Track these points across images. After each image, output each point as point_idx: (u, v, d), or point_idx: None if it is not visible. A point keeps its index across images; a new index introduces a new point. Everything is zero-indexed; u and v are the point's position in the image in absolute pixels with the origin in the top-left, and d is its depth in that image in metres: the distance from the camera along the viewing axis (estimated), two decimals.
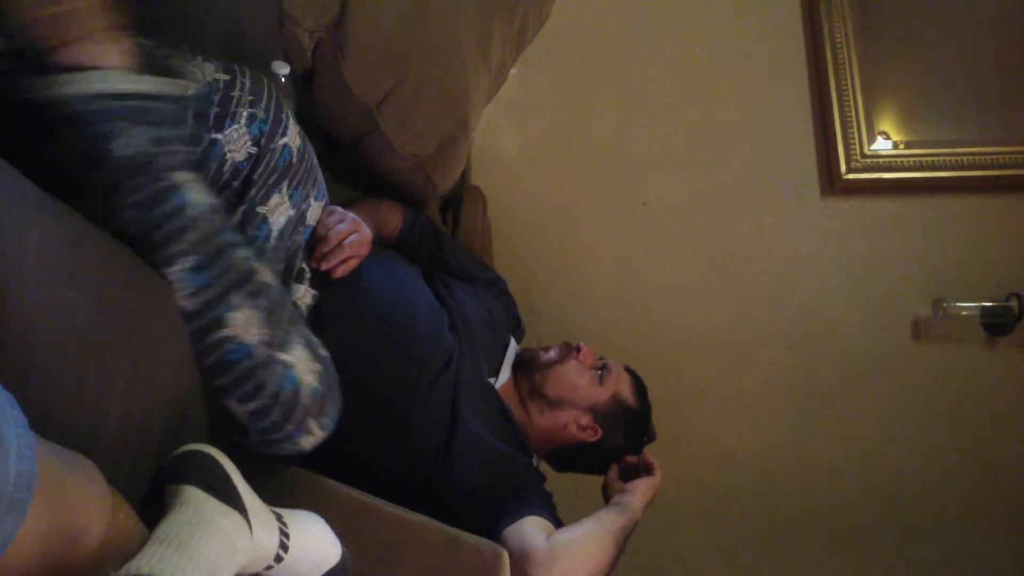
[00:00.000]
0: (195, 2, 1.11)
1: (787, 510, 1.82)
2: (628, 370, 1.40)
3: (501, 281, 1.53)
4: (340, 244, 1.14)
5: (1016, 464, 1.82)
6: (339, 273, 1.15)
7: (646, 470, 1.28)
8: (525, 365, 1.35)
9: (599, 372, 1.32)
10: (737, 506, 1.82)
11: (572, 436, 1.30)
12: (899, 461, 1.83)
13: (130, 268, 0.75)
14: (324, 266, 1.13)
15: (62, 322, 0.65)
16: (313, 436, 0.85)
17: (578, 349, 1.36)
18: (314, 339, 0.89)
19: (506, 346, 1.38)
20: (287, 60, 1.19)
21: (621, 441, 1.32)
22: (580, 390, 1.30)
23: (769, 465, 1.83)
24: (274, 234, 1.01)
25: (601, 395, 1.31)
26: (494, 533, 1.08)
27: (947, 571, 1.81)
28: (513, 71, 1.65)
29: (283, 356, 0.80)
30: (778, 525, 1.81)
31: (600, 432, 1.30)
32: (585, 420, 1.30)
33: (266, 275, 0.83)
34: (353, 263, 1.17)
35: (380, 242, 1.34)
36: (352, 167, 1.44)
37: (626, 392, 1.34)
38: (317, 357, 0.87)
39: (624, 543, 1.14)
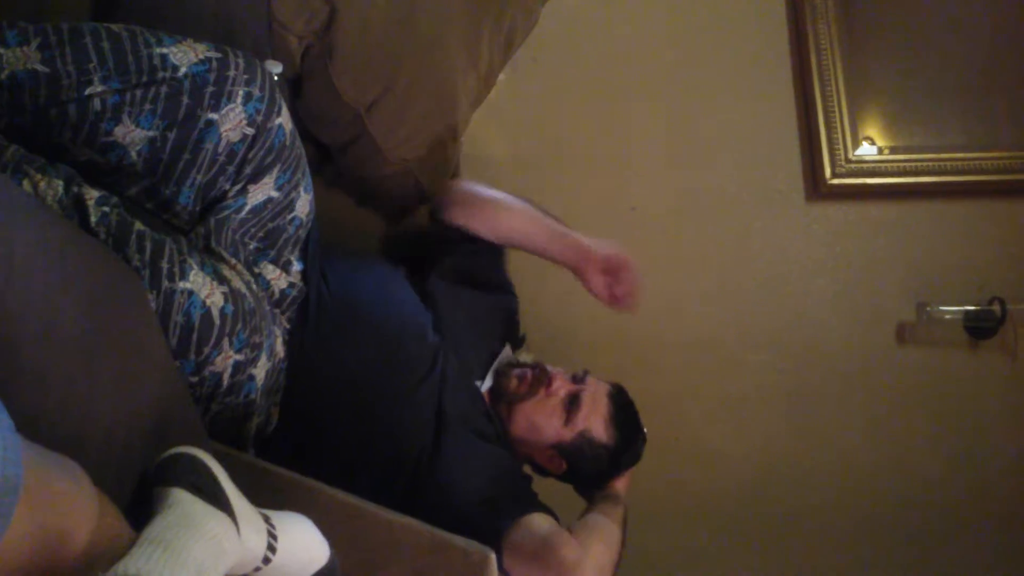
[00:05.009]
0: (184, 6, 1.12)
1: (773, 512, 1.83)
2: (613, 394, 1.32)
3: (515, 300, 1.52)
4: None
5: (999, 466, 1.84)
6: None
7: None
8: (496, 393, 1.30)
9: (567, 408, 1.26)
10: (724, 509, 1.83)
11: (538, 464, 1.32)
12: (883, 463, 1.85)
13: (117, 273, 0.75)
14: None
15: (50, 327, 0.65)
16: (224, 353, 0.90)
17: (549, 381, 1.27)
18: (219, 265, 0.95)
19: (495, 354, 1.37)
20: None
21: (591, 473, 1.29)
22: (542, 431, 1.26)
23: (755, 468, 1.84)
24: (247, 207, 1.02)
25: (566, 434, 1.25)
26: (492, 532, 1.06)
27: (933, 573, 1.82)
28: (502, 76, 1.66)
29: (181, 284, 0.85)
30: (764, 528, 1.82)
31: (565, 465, 1.29)
32: (549, 454, 1.28)
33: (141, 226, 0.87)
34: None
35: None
36: (342, 172, 1.45)
37: (597, 428, 1.27)
38: (221, 279, 0.91)
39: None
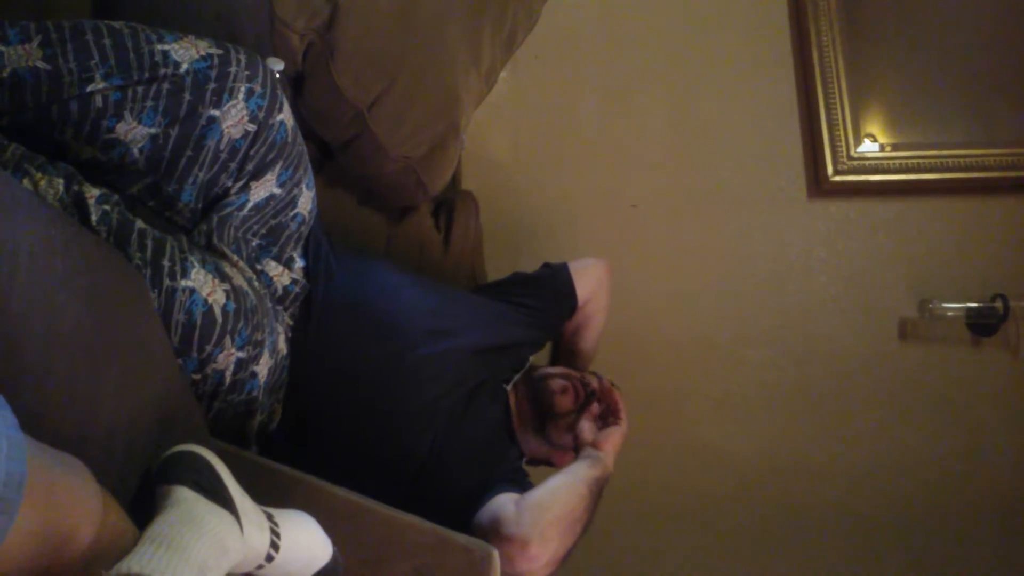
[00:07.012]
0: (186, 3, 1.12)
1: (774, 511, 1.83)
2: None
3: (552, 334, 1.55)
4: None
5: (1001, 463, 1.84)
6: None
7: (614, 416, 1.31)
8: (538, 405, 1.32)
9: (603, 420, 1.31)
10: (723, 508, 1.82)
11: (551, 462, 1.37)
12: (885, 461, 1.85)
13: (120, 270, 0.75)
14: None
15: (53, 324, 0.65)
16: (226, 351, 0.91)
17: (593, 395, 1.32)
18: (221, 263, 0.94)
19: (517, 369, 1.39)
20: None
21: None
22: (576, 440, 1.31)
23: (755, 466, 1.84)
24: (250, 204, 1.02)
25: (592, 438, 1.31)
26: (468, 521, 1.09)
27: (935, 571, 1.82)
28: (503, 74, 1.66)
29: (183, 283, 0.85)
30: (765, 527, 1.82)
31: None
32: (569, 456, 1.32)
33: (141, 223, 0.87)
34: None
35: None
36: (343, 170, 1.45)
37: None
38: (222, 277, 0.91)
39: (599, 493, 1.15)
